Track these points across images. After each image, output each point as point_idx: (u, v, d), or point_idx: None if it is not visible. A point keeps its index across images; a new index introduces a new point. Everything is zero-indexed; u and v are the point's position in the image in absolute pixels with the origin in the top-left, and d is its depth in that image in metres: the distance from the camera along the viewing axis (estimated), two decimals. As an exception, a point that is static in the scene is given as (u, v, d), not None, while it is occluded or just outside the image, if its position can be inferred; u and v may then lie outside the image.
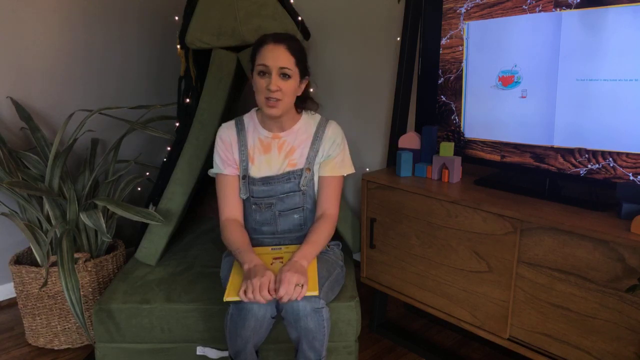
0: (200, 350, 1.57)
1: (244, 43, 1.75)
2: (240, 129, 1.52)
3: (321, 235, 1.46)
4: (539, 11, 1.37)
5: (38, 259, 1.84)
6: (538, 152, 1.46)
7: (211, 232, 2.10)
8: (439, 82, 1.67)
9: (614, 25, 1.24)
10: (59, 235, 1.63)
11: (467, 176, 1.69)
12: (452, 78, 1.63)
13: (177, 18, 1.95)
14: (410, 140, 1.79)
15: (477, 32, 1.53)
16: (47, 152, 1.95)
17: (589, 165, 1.36)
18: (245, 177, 1.51)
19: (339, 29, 2.26)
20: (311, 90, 1.56)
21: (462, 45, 1.58)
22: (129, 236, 2.38)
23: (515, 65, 1.46)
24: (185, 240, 2.03)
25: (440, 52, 1.64)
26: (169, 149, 2.00)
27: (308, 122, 1.53)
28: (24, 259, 1.92)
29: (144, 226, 1.83)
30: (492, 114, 1.54)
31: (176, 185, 1.78)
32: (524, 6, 1.40)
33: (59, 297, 1.79)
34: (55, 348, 1.86)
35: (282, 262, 1.41)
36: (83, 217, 1.72)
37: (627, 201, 1.25)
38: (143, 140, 2.53)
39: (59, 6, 2.15)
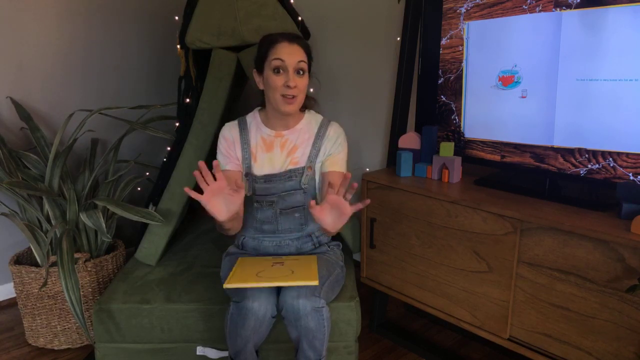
0: (200, 350, 1.57)
1: (244, 43, 1.75)
2: (243, 128, 1.54)
3: None
4: (539, 11, 1.37)
5: (38, 259, 1.84)
6: (538, 152, 1.46)
7: (211, 232, 2.10)
8: (439, 82, 1.67)
9: (614, 25, 1.24)
10: (59, 235, 1.63)
11: (467, 176, 1.69)
12: (452, 78, 1.63)
13: (177, 18, 1.95)
14: (410, 140, 1.79)
15: (477, 32, 1.53)
16: (47, 152, 1.95)
17: (589, 165, 1.36)
18: (248, 175, 1.52)
19: (339, 29, 2.26)
20: (311, 90, 1.57)
21: (462, 45, 1.58)
22: (129, 236, 2.37)
23: (515, 65, 1.46)
24: (185, 240, 2.03)
25: (440, 52, 1.64)
26: (169, 149, 2.00)
27: (310, 121, 1.54)
28: (24, 259, 1.92)
29: (144, 226, 1.83)
30: (492, 114, 1.54)
31: (176, 185, 1.78)
32: (524, 6, 1.40)
33: (59, 297, 1.79)
34: (55, 348, 1.86)
35: (282, 265, 1.41)
36: (83, 217, 1.72)
37: (627, 201, 1.25)
38: (143, 140, 2.53)
39: (59, 6, 2.15)
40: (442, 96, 1.67)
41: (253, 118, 1.55)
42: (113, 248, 2.00)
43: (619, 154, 1.30)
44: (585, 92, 1.32)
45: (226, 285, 1.29)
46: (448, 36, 1.61)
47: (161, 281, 1.67)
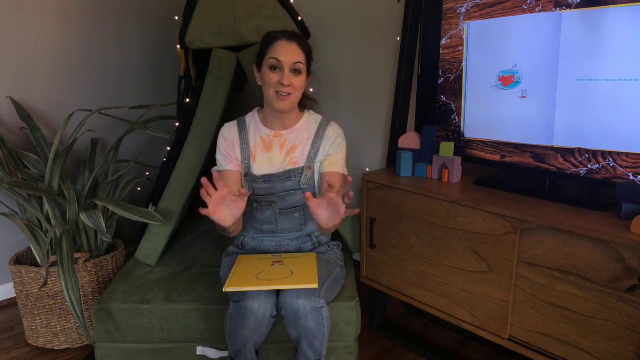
0: (200, 350, 1.57)
1: (244, 43, 1.75)
2: (242, 128, 1.54)
3: None
4: (539, 11, 1.37)
5: (38, 259, 1.84)
6: (538, 152, 1.46)
7: (211, 232, 2.10)
8: (439, 82, 1.67)
9: (614, 25, 1.24)
10: (59, 235, 1.63)
11: (467, 176, 1.69)
12: (452, 78, 1.63)
13: (177, 18, 1.95)
14: (410, 140, 1.79)
15: (477, 32, 1.53)
16: (47, 152, 1.95)
17: (589, 165, 1.36)
18: (247, 175, 1.52)
19: (339, 29, 2.26)
20: (311, 90, 1.57)
21: (462, 45, 1.58)
22: (129, 236, 2.37)
23: (515, 65, 1.46)
24: (185, 240, 2.03)
25: (440, 52, 1.64)
26: (169, 149, 2.00)
27: (310, 121, 1.55)
28: (24, 259, 1.92)
29: (144, 226, 1.83)
30: (492, 114, 1.54)
31: (176, 185, 1.78)
32: (524, 6, 1.40)
33: (59, 297, 1.79)
34: (55, 348, 1.86)
35: (281, 265, 1.41)
36: (83, 217, 1.72)
37: (627, 201, 1.25)
38: (143, 140, 2.53)
39: (59, 6, 2.15)
40: (442, 96, 1.67)
41: (252, 118, 1.56)
42: (113, 248, 2.00)
43: (619, 154, 1.30)
44: (585, 92, 1.32)
45: (226, 289, 1.30)
46: (448, 36, 1.61)
47: (161, 281, 1.67)
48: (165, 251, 1.85)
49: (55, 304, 1.80)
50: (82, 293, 1.81)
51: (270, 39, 1.43)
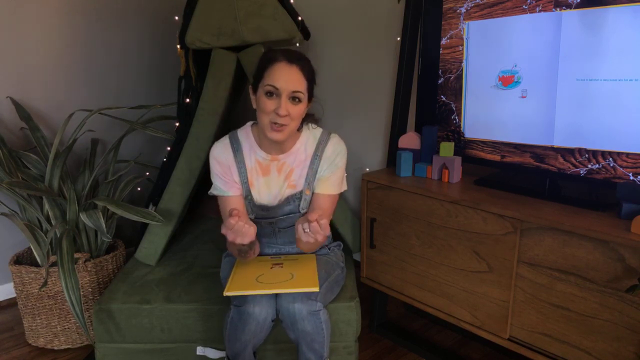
0: (200, 351, 1.57)
1: (244, 43, 1.75)
2: (237, 149, 1.42)
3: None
4: (539, 11, 1.37)
5: (38, 259, 1.84)
6: (538, 152, 1.46)
7: (211, 232, 2.10)
8: (439, 82, 1.67)
9: (614, 25, 1.24)
10: (58, 235, 1.62)
11: (467, 176, 1.69)
12: (452, 78, 1.63)
13: (177, 18, 1.95)
14: (410, 140, 1.79)
15: (477, 32, 1.53)
16: (47, 152, 1.95)
17: (589, 165, 1.36)
18: (247, 198, 1.46)
19: (339, 29, 2.26)
20: (313, 114, 1.50)
21: (462, 45, 1.58)
22: (129, 236, 2.37)
23: (515, 65, 1.46)
24: (185, 240, 2.03)
25: (440, 52, 1.64)
26: (169, 149, 2.00)
27: (308, 139, 1.43)
28: (24, 259, 1.92)
29: (144, 226, 1.83)
30: (492, 114, 1.54)
31: (176, 185, 1.78)
32: (524, 6, 1.40)
33: (59, 297, 1.79)
34: (55, 348, 1.86)
35: (281, 267, 1.41)
36: (83, 217, 1.72)
37: (627, 201, 1.25)
38: (143, 140, 2.53)
39: (59, 6, 2.15)
40: (442, 96, 1.67)
41: (246, 137, 1.43)
42: (113, 248, 2.00)
43: (619, 154, 1.30)
44: (585, 92, 1.32)
45: (227, 293, 1.29)
46: (448, 36, 1.61)
47: (161, 281, 1.67)
48: (165, 251, 1.85)
49: (55, 304, 1.80)
50: (82, 293, 1.81)
51: (268, 59, 1.28)
